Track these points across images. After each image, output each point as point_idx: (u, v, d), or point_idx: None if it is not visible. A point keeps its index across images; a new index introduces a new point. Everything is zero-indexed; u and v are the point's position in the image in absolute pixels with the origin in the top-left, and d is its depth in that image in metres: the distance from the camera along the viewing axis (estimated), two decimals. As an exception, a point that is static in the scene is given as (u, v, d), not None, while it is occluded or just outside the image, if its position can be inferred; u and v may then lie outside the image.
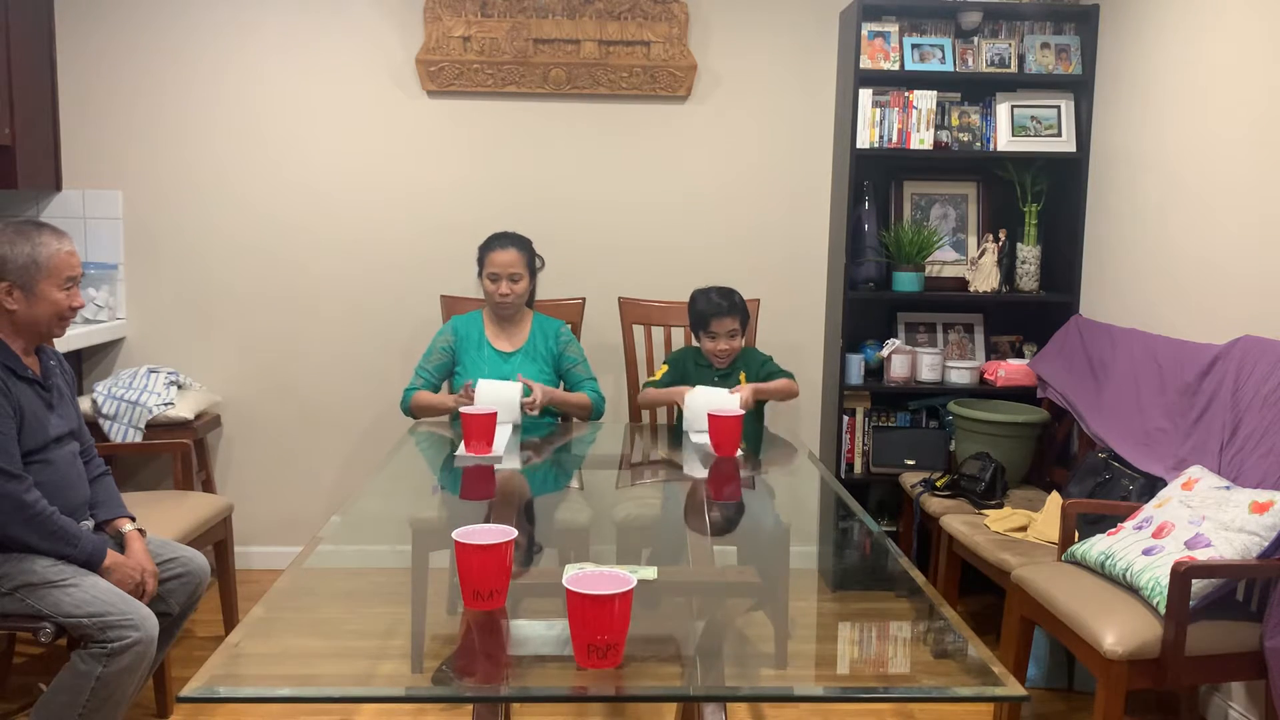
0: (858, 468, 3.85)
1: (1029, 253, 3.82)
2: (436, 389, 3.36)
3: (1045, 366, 3.65)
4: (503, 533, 1.75)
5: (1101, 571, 2.55)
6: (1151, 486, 2.88)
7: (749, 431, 3.18)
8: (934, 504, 3.38)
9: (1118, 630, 2.30)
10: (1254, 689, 2.75)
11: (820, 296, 4.03)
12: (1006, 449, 3.46)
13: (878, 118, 3.70)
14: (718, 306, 3.29)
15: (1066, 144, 3.73)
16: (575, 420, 3.42)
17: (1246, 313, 2.81)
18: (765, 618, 2.07)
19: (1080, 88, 3.73)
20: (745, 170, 3.96)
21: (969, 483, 3.37)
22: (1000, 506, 3.28)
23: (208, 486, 3.89)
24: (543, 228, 3.70)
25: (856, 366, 3.79)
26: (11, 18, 3.46)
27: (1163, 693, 2.99)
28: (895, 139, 3.71)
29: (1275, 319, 2.70)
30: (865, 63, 3.68)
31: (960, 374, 3.80)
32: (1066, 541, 2.75)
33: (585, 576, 1.58)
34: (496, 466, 2.80)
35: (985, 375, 3.81)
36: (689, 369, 3.35)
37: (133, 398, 3.55)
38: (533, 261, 3.38)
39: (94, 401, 3.55)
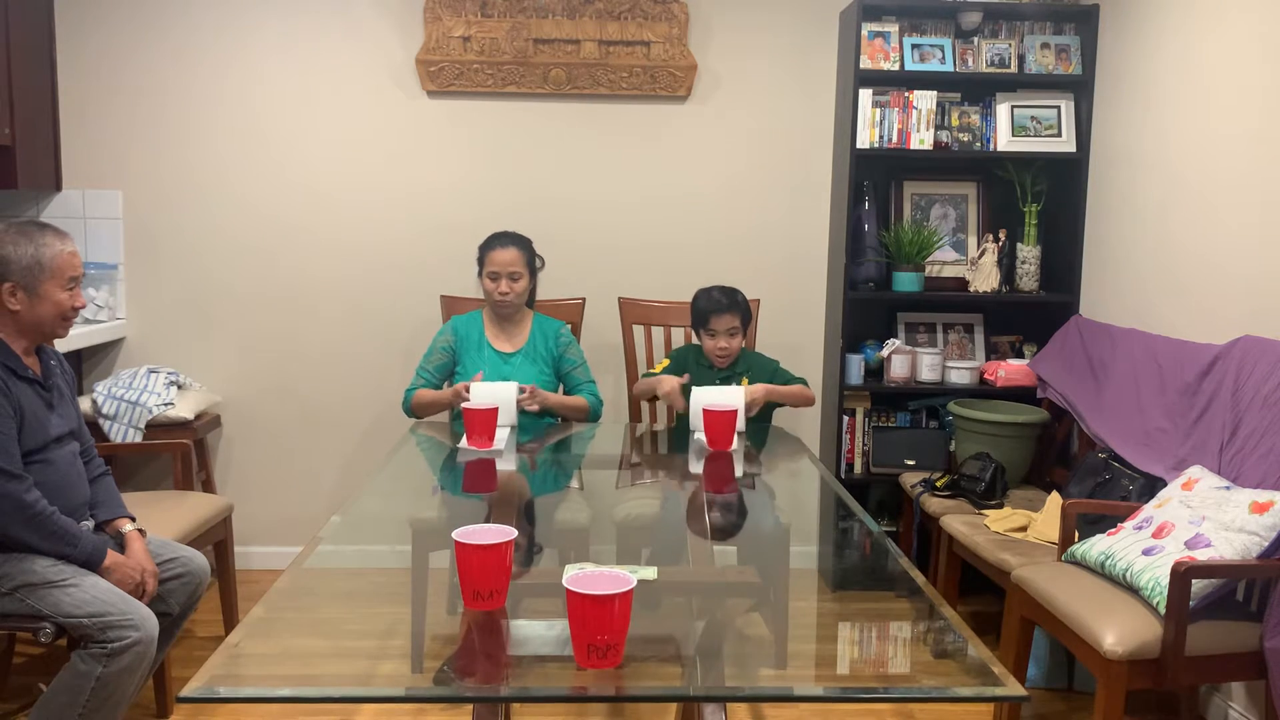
0: (858, 468, 3.85)
1: (1029, 253, 3.82)
2: (437, 389, 3.36)
3: (1045, 366, 3.65)
4: (503, 533, 1.75)
5: (1101, 571, 2.55)
6: (1151, 486, 2.88)
7: (754, 431, 3.18)
8: (934, 504, 3.38)
9: (1118, 630, 2.30)
10: (1254, 689, 2.75)
11: (820, 296, 4.03)
12: (1006, 449, 3.46)
13: (878, 118, 3.70)
14: (718, 303, 3.29)
15: (1066, 144, 3.73)
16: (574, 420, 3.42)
17: (1246, 313, 2.81)
18: (761, 618, 2.07)
19: (1080, 88, 3.73)
20: (745, 170, 3.97)
21: (969, 483, 3.37)
22: (1000, 506, 3.28)
23: (208, 486, 3.89)
24: (543, 228, 3.70)
25: (856, 366, 3.79)
26: (11, 18, 3.46)
27: (1163, 693, 2.99)
28: (895, 139, 3.71)
29: (1275, 319, 2.70)
30: (865, 63, 3.68)
31: (960, 374, 3.80)
32: (1066, 541, 2.75)
33: (585, 576, 1.58)
34: (497, 467, 2.81)
35: (985, 375, 3.81)
36: (690, 367, 3.34)
37: (133, 398, 3.55)
38: (533, 261, 3.38)
39: (94, 401, 3.55)
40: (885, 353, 3.81)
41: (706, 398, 3.05)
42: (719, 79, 3.92)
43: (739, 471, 2.89)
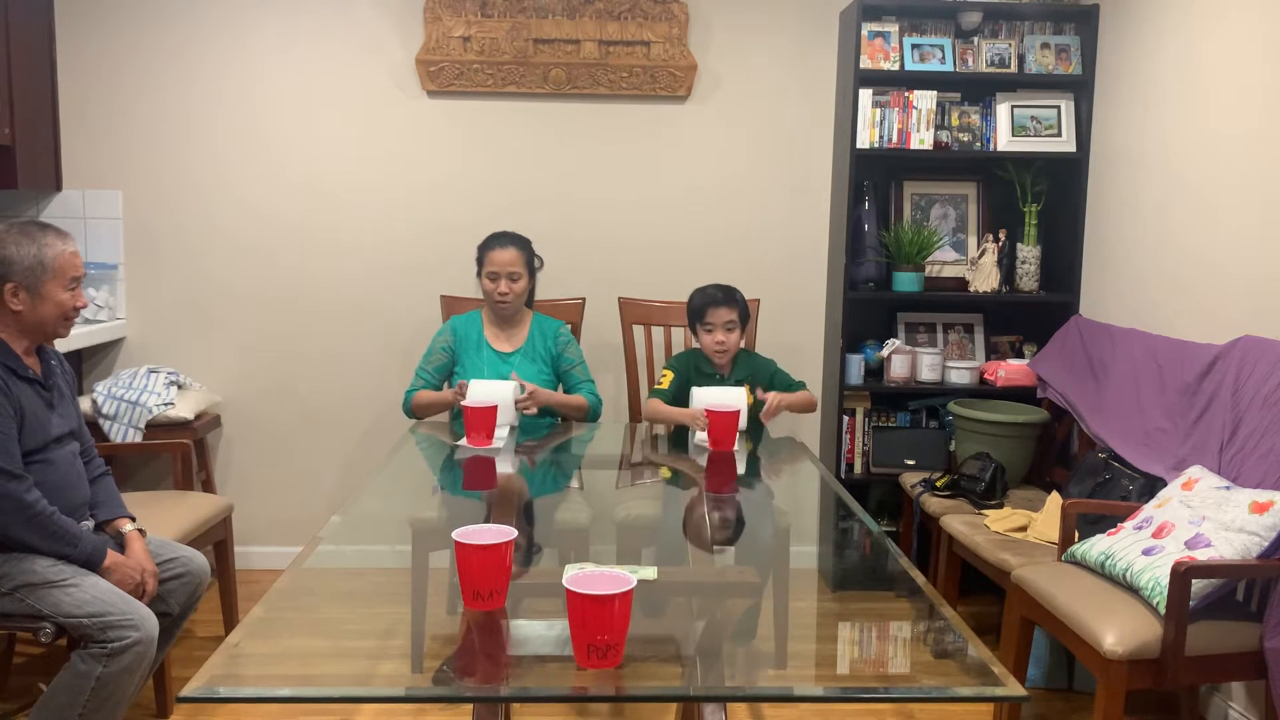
0: (858, 468, 3.85)
1: (1029, 253, 3.82)
2: (437, 390, 3.36)
3: (1045, 366, 3.65)
4: (503, 533, 1.75)
5: (1101, 571, 2.55)
6: (1151, 486, 2.88)
7: (754, 432, 3.18)
8: (934, 504, 3.38)
9: (1118, 630, 2.30)
10: (1254, 689, 2.75)
11: (820, 296, 4.03)
12: (1006, 449, 3.46)
13: (878, 118, 3.70)
14: (713, 297, 3.28)
15: (1066, 144, 3.73)
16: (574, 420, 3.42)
17: (1246, 313, 2.81)
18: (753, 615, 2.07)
19: (1080, 88, 3.73)
20: (745, 170, 3.97)
21: (969, 483, 3.37)
22: (1000, 506, 3.28)
23: (208, 486, 3.89)
24: (543, 227, 3.70)
25: (856, 366, 3.79)
26: (11, 18, 3.46)
27: (1163, 693, 2.99)
28: (895, 139, 3.71)
29: (1275, 319, 2.70)
30: (865, 63, 3.68)
31: (960, 374, 3.80)
32: (1066, 541, 2.75)
33: (585, 576, 1.58)
34: (496, 466, 2.81)
35: (985, 375, 3.81)
36: (692, 376, 3.31)
37: (133, 398, 3.55)
38: (532, 261, 3.38)
39: (94, 401, 3.55)
40: (885, 353, 3.81)
41: (708, 398, 3.05)
42: (719, 79, 3.92)
43: (739, 471, 2.89)
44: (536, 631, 1.80)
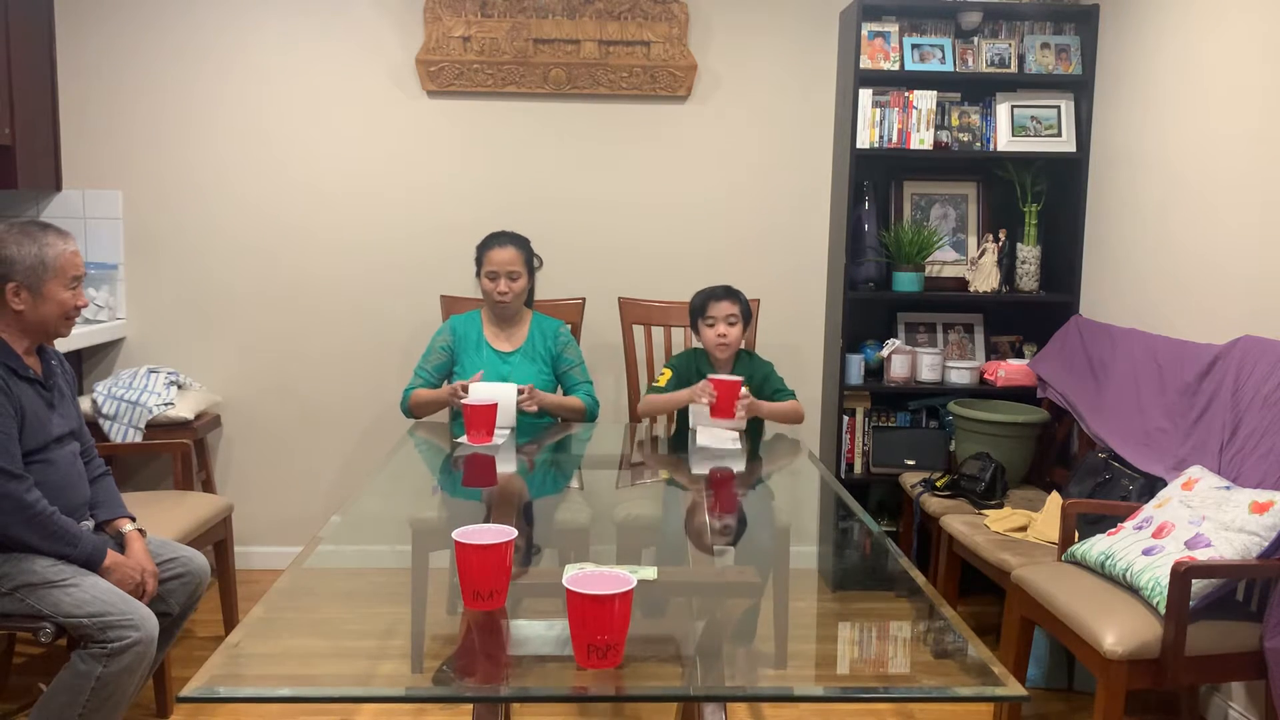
0: (858, 468, 3.85)
1: (1029, 253, 3.82)
2: (435, 389, 3.36)
3: (1045, 366, 3.65)
4: (503, 533, 1.75)
5: (1101, 571, 2.55)
6: (1151, 486, 2.88)
7: (753, 433, 3.18)
8: (934, 504, 3.38)
9: (1118, 630, 2.30)
10: (1254, 689, 2.75)
11: (820, 296, 4.03)
12: (1006, 449, 3.46)
13: (878, 118, 3.70)
14: (715, 292, 3.29)
15: (1066, 144, 3.73)
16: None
17: (1246, 313, 2.81)
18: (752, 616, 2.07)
19: (1080, 88, 3.73)
20: (745, 170, 3.97)
21: (969, 483, 3.37)
22: (1000, 506, 3.28)
23: (208, 486, 3.89)
24: (543, 228, 3.70)
25: (856, 366, 3.79)
26: (11, 18, 3.46)
27: (1163, 693, 2.99)
28: (895, 139, 3.71)
29: (1275, 319, 2.70)
30: (865, 63, 3.68)
31: (960, 374, 3.80)
32: (1066, 541, 2.75)
33: (585, 576, 1.58)
34: (496, 466, 2.81)
35: (985, 375, 3.81)
36: (693, 375, 3.31)
37: (133, 398, 3.55)
38: (531, 260, 3.38)
39: (94, 401, 3.55)
40: (885, 353, 3.81)
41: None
42: (719, 79, 3.92)
43: (739, 472, 2.89)
44: (536, 631, 1.80)
